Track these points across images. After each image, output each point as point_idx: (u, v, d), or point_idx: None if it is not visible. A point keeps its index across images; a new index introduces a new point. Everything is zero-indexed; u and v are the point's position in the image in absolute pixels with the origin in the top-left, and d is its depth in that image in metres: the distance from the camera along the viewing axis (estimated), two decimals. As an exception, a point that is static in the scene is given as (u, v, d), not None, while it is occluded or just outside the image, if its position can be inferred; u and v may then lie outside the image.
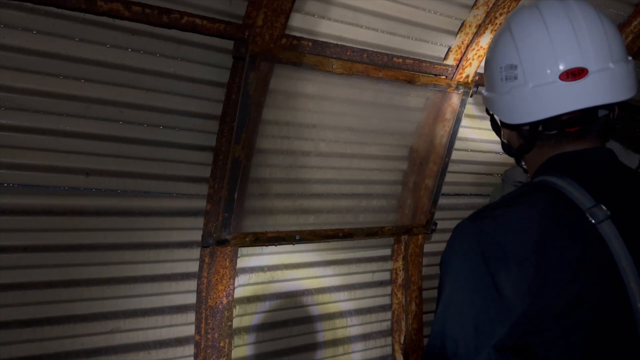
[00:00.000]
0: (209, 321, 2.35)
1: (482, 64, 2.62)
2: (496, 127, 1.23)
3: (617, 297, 0.92)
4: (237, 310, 2.47)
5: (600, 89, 0.99)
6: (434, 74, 2.56)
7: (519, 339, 0.91)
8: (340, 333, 2.86)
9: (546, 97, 1.01)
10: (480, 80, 2.72)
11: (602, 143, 1.07)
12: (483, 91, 1.22)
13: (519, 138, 1.12)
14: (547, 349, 0.90)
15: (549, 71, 1.01)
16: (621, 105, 1.06)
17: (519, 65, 1.04)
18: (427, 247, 3.10)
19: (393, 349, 3.04)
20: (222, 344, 2.39)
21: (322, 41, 2.19)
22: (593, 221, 0.93)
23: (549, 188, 0.99)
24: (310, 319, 2.74)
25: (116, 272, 2.15)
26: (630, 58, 1.05)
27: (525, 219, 0.94)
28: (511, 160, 1.42)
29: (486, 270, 0.92)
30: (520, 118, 1.06)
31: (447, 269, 0.99)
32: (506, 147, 1.22)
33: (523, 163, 1.20)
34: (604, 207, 0.93)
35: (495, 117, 1.16)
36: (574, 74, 0.99)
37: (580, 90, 0.99)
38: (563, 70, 1.00)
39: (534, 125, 1.05)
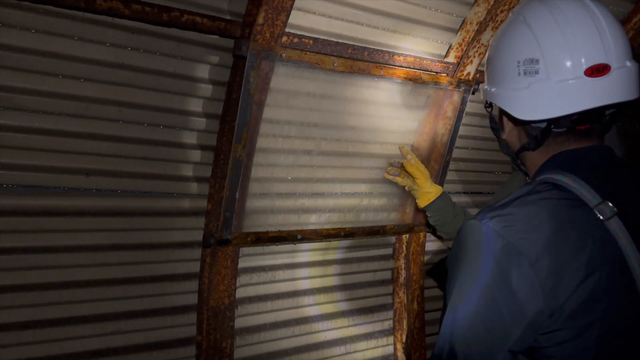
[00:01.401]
0: (211, 322, 2.33)
1: (484, 61, 2.62)
2: (495, 124, 1.22)
3: (627, 294, 0.91)
4: (238, 311, 2.45)
5: (620, 86, 0.99)
6: (435, 72, 2.55)
7: (533, 340, 0.90)
8: (342, 332, 2.85)
9: (570, 93, 0.99)
10: (481, 78, 2.71)
11: (602, 141, 1.07)
12: (486, 87, 1.20)
13: (525, 136, 1.10)
14: (561, 349, 0.89)
15: (573, 67, 0.99)
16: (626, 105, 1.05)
17: (540, 59, 1.01)
18: (429, 246, 3.10)
19: (395, 349, 3.04)
20: (224, 345, 2.37)
21: (323, 39, 2.18)
22: (601, 218, 0.92)
23: (555, 186, 0.98)
24: (311, 319, 2.73)
25: (117, 272, 2.13)
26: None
27: (535, 218, 0.93)
28: None
29: (498, 271, 0.90)
30: (540, 114, 1.03)
31: (456, 270, 0.98)
32: (505, 146, 1.21)
33: (519, 162, 1.18)
34: (610, 203, 0.93)
35: (508, 113, 1.12)
36: (599, 70, 0.98)
37: (603, 86, 0.98)
38: (588, 66, 0.98)
39: (550, 122, 1.03)
